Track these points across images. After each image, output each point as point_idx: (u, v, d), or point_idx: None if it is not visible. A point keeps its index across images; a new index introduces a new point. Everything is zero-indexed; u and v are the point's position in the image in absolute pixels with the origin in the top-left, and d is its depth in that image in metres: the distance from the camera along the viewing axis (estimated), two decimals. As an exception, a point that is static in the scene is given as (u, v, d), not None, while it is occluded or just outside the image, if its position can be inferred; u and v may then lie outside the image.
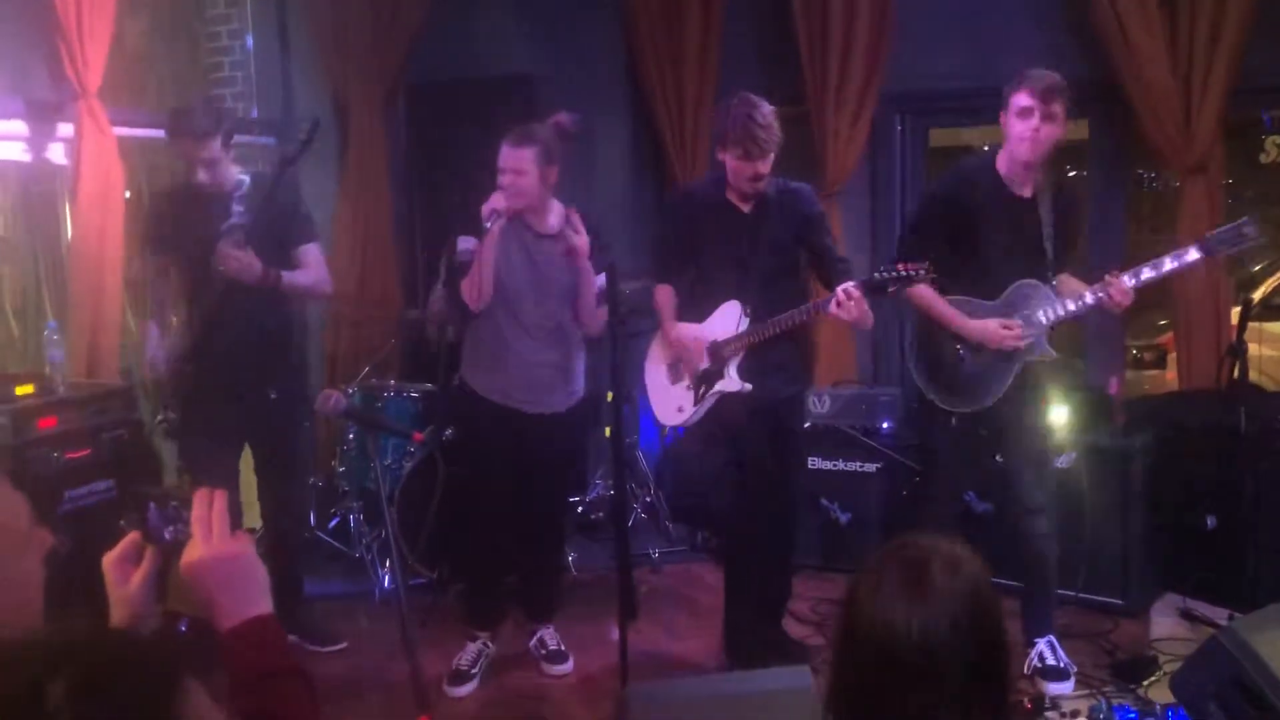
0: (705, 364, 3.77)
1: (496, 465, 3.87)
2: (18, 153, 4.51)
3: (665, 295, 3.89)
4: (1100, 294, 3.48)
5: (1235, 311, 4.78)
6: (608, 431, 4.99)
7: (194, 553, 1.43)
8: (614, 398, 3.58)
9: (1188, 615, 4.13)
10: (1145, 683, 3.61)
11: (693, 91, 5.49)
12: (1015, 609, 3.77)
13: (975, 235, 3.59)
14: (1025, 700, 3.39)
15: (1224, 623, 3.43)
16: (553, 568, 4.26)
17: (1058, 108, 3.47)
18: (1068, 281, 3.63)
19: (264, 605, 1.45)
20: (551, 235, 3.79)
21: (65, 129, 4.45)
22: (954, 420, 3.65)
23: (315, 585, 4.56)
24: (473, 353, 3.90)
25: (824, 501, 4.78)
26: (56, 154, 4.61)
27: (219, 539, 1.45)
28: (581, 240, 3.66)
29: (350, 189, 5.72)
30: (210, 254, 3.75)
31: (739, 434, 3.80)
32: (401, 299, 5.82)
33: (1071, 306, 3.55)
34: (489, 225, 3.60)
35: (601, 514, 5.32)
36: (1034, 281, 3.60)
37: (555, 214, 3.81)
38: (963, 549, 1.43)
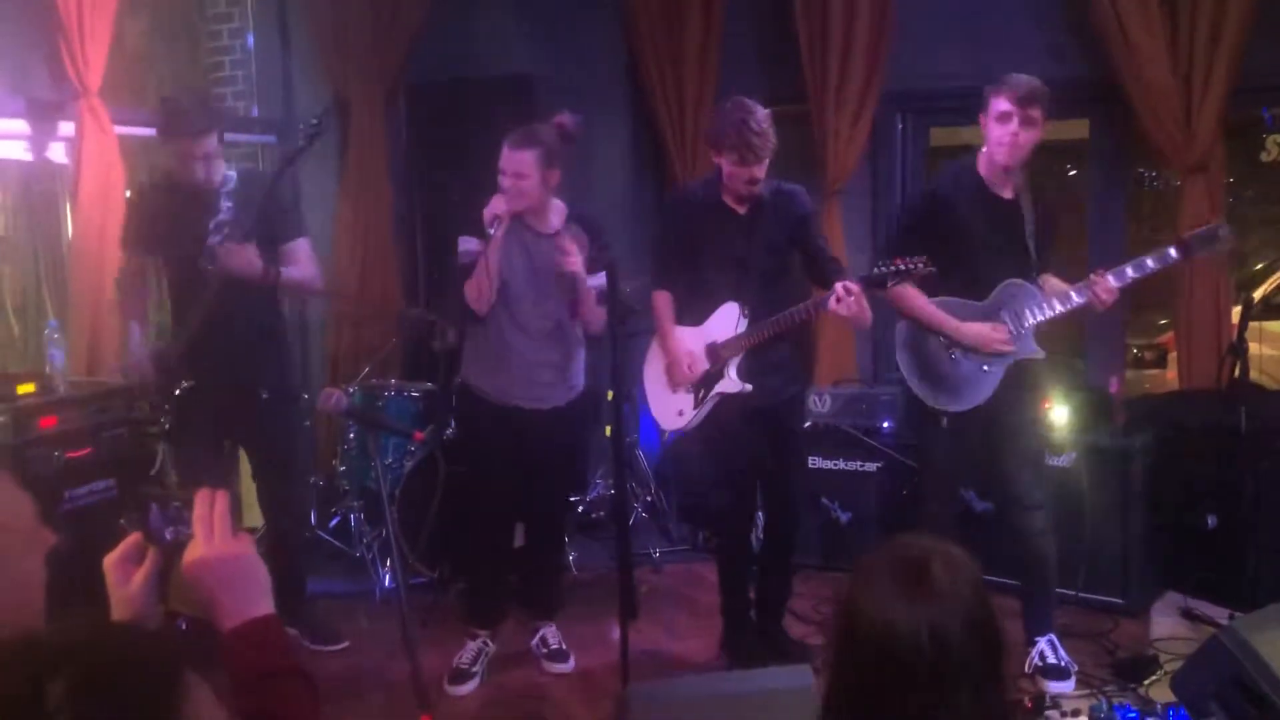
0: (704, 370, 3.78)
1: (497, 464, 3.88)
2: (19, 152, 4.51)
3: (664, 302, 3.89)
4: (1086, 293, 3.51)
5: (1236, 311, 4.79)
6: (608, 431, 4.99)
7: (195, 553, 1.43)
8: (614, 397, 3.58)
9: (1188, 615, 4.13)
10: (1146, 682, 3.61)
11: (693, 91, 5.49)
12: (1015, 608, 3.78)
13: (960, 237, 3.61)
14: (1026, 699, 3.38)
15: (1225, 622, 3.44)
16: (555, 565, 4.26)
17: (1036, 112, 3.51)
18: (1051, 282, 3.67)
19: (265, 605, 1.44)
20: (552, 235, 3.79)
21: (66, 128, 4.45)
22: (946, 420, 3.65)
23: (316, 584, 4.55)
24: (473, 352, 3.90)
25: (824, 501, 4.78)
26: (57, 153, 4.61)
27: (220, 539, 1.45)
28: (571, 261, 3.66)
29: (351, 188, 5.72)
30: (199, 251, 3.70)
31: (739, 434, 3.81)
32: (402, 298, 5.82)
33: (1059, 307, 3.58)
34: (492, 231, 3.60)
35: (602, 513, 5.32)
36: (1020, 281, 3.63)
37: (557, 213, 3.81)
38: (957, 548, 1.43)
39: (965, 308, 3.65)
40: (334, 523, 5.14)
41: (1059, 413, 4.31)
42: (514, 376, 3.80)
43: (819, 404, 4.85)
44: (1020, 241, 3.62)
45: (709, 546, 5.07)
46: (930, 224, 3.64)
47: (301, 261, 3.96)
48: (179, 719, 1.03)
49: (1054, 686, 3.61)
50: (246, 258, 3.69)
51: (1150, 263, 3.50)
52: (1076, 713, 3.09)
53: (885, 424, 4.76)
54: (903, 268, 3.35)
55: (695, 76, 5.50)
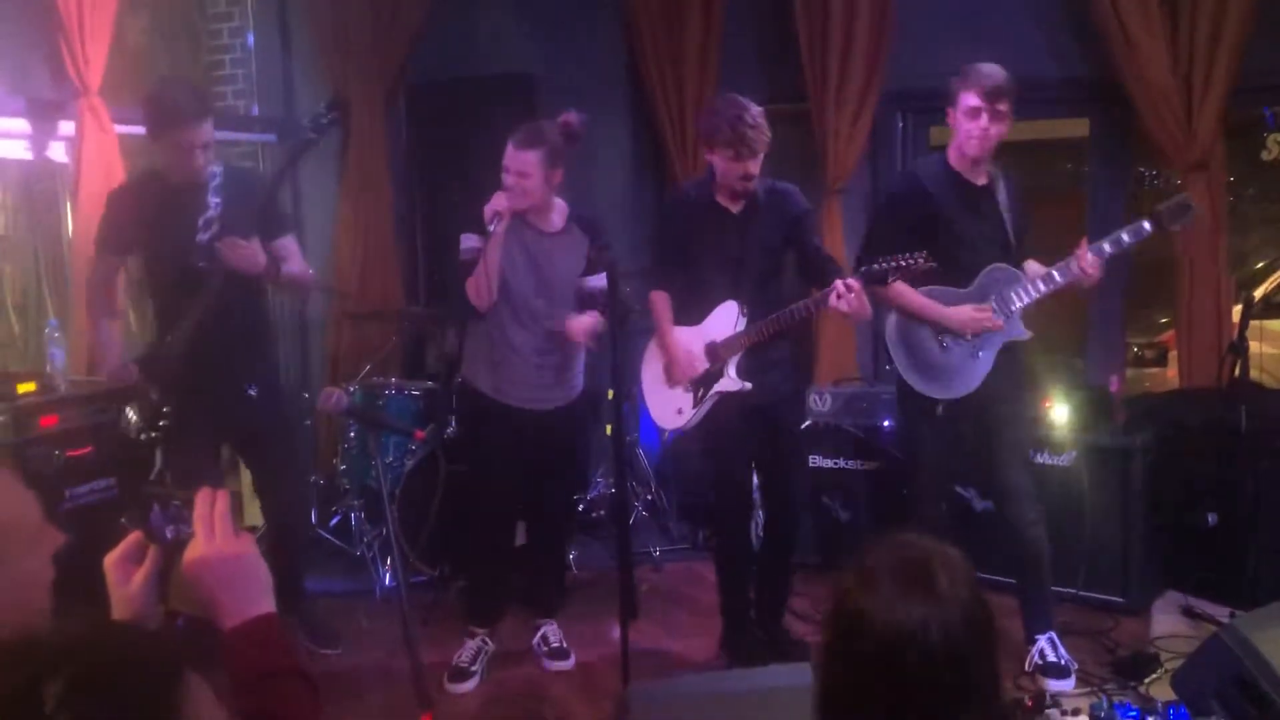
0: (703, 368, 3.79)
1: (498, 463, 3.88)
2: (19, 151, 4.52)
3: (662, 301, 3.90)
4: (1067, 271, 3.55)
5: (1236, 309, 4.79)
6: (608, 430, 4.99)
7: (196, 552, 1.43)
8: (614, 396, 3.58)
9: (1189, 613, 4.13)
10: (1147, 680, 3.61)
11: (693, 91, 5.49)
12: (1014, 607, 3.78)
13: (940, 227, 3.64)
14: (1026, 698, 3.38)
15: (1225, 620, 3.44)
16: (557, 564, 4.26)
17: (1005, 106, 3.55)
18: (1032, 266, 3.71)
19: (266, 604, 1.44)
20: (554, 234, 3.79)
21: (67, 127, 4.45)
22: (940, 409, 3.66)
23: (316, 583, 4.56)
24: (474, 351, 3.91)
25: (825, 499, 4.78)
26: (58, 152, 4.61)
27: (221, 538, 1.45)
28: (579, 326, 3.72)
29: (351, 187, 5.72)
30: (189, 250, 3.61)
31: (738, 433, 3.82)
32: (402, 297, 5.82)
33: (1043, 287, 3.61)
34: (493, 227, 3.60)
35: (602, 512, 5.32)
36: (1003, 265, 3.67)
37: (559, 213, 3.82)
38: (952, 548, 1.42)
39: (951, 296, 3.67)
40: (334, 521, 5.14)
41: (1059, 412, 4.32)
42: (515, 375, 3.81)
43: (819, 403, 4.85)
44: (999, 226, 3.68)
45: (709, 545, 5.07)
46: (910, 217, 3.67)
47: (294, 257, 3.91)
48: (179, 719, 1.03)
49: (1054, 685, 3.62)
50: (252, 254, 3.62)
51: (1126, 237, 3.54)
52: (1077, 711, 3.09)
53: (885, 423, 4.76)
54: (903, 263, 3.36)
55: (695, 76, 5.50)
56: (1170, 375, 6.45)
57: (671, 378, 3.86)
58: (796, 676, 2.29)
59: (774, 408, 3.88)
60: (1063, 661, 3.69)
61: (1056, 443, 4.28)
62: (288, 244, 3.90)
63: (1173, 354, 5.86)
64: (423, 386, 4.95)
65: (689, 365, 3.80)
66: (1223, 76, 4.57)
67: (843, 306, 3.43)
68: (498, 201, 3.63)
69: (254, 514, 4.25)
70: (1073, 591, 4.16)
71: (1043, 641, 3.73)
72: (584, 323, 3.74)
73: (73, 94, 4.33)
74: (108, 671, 1.01)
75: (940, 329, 3.68)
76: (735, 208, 3.77)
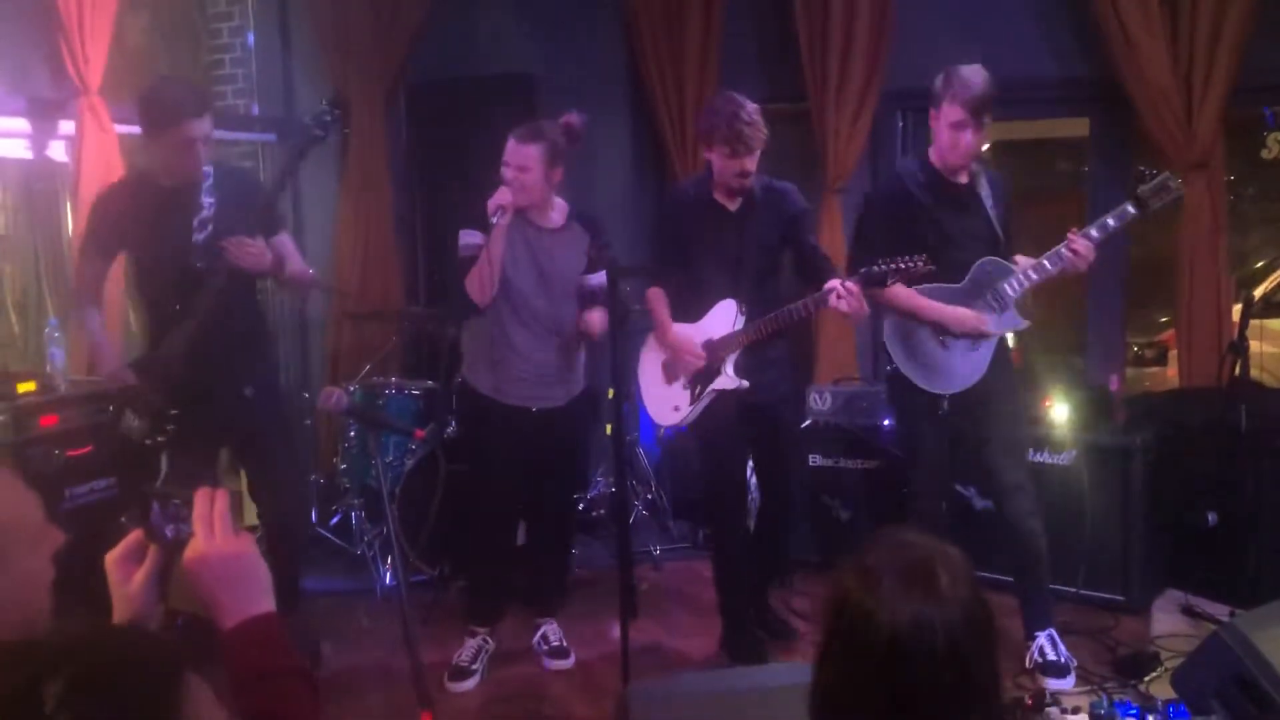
0: (702, 364, 3.80)
1: (498, 462, 3.88)
2: (19, 150, 4.52)
3: (659, 298, 3.91)
4: (1058, 260, 3.58)
5: (1236, 309, 4.78)
6: (608, 429, 4.99)
7: (195, 551, 1.43)
8: (614, 395, 3.59)
9: (1189, 611, 4.14)
10: (1147, 679, 3.61)
11: (693, 91, 5.49)
12: (1014, 606, 3.78)
13: (927, 226, 3.66)
14: (1026, 697, 3.39)
15: (1225, 619, 3.44)
16: (559, 562, 4.26)
17: (988, 116, 3.58)
18: (1021, 259, 3.74)
19: (265, 604, 1.44)
20: (555, 230, 3.79)
21: (67, 126, 4.45)
22: (945, 405, 3.68)
23: (317, 582, 4.57)
24: (474, 350, 3.91)
25: (825, 499, 4.78)
26: (58, 151, 4.61)
27: (221, 537, 1.45)
28: (595, 319, 3.76)
29: (351, 187, 5.72)
30: (185, 251, 3.56)
31: (734, 431, 3.83)
32: (402, 297, 5.82)
33: (1034, 275, 3.64)
34: (495, 220, 3.60)
35: (602, 511, 5.32)
36: (994, 258, 3.70)
37: (559, 211, 3.82)
38: (951, 547, 1.42)
39: (945, 293, 3.69)
40: (335, 521, 5.14)
41: (1059, 411, 4.32)
42: (515, 374, 3.80)
43: (819, 402, 4.85)
44: (986, 222, 3.71)
45: (708, 544, 5.07)
46: (896, 218, 3.70)
47: (293, 254, 3.86)
48: (179, 719, 1.03)
49: (1053, 684, 3.62)
50: (260, 252, 3.57)
51: (1111, 221, 3.57)
52: (1077, 710, 3.09)
53: (885, 422, 4.75)
54: (903, 266, 3.38)
55: (695, 76, 5.50)
56: (1170, 374, 6.45)
57: (677, 369, 3.87)
58: (796, 675, 2.29)
59: (772, 407, 3.90)
60: (1062, 659, 3.69)
61: (1057, 442, 4.28)
62: (285, 241, 3.87)
63: (1173, 353, 5.86)
64: (423, 386, 4.96)
65: (691, 345, 3.80)
66: (1223, 76, 4.57)
67: (843, 307, 3.47)
68: (501, 196, 3.63)
69: (254, 513, 4.24)
70: (1073, 590, 4.16)
71: (1042, 639, 3.73)
72: (599, 316, 3.74)
73: (73, 93, 4.33)
74: (108, 672, 1.01)
75: (939, 328, 3.69)
76: (733, 206, 3.80)
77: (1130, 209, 3.55)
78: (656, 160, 5.77)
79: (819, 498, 4.77)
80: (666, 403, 3.92)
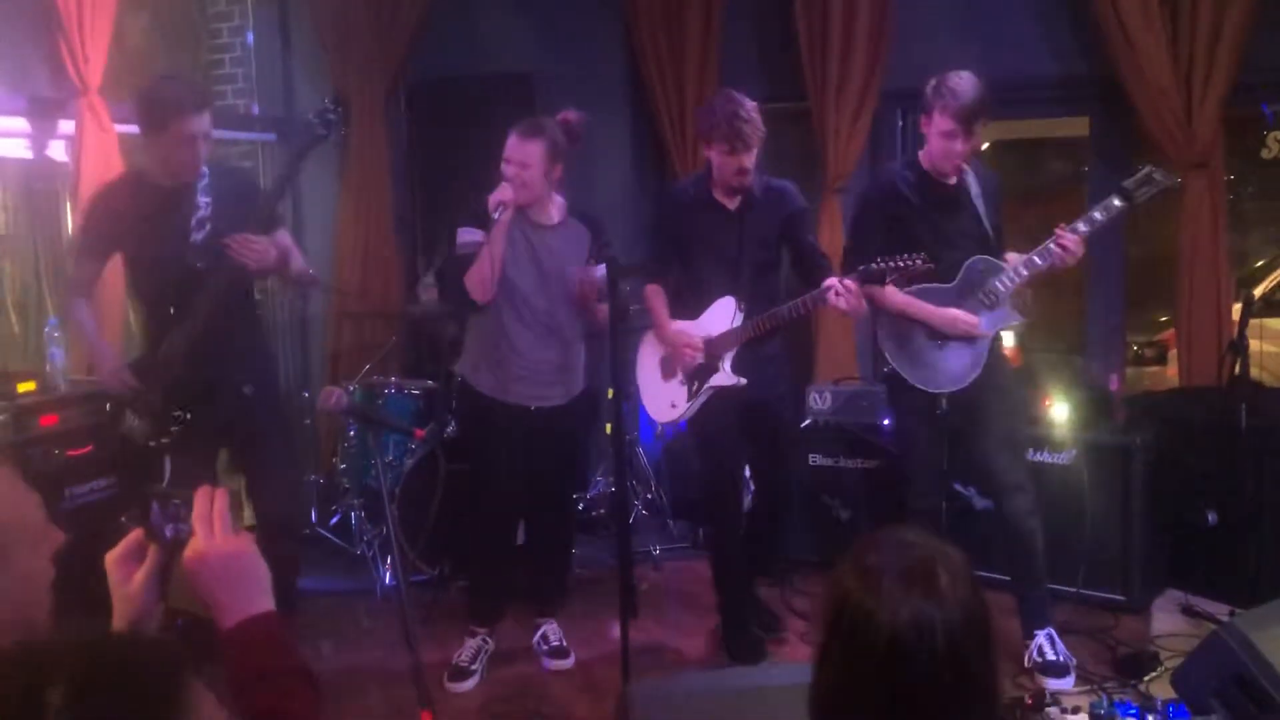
0: (701, 358, 3.80)
1: (498, 462, 3.87)
2: (19, 150, 4.51)
3: (656, 294, 3.92)
4: (1047, 255, 3.59)
5: (1236, 308, 4.78)
6: (608, 428, 4.99)
7: (195, 550, 1.43)
8: (614, 394, 3.59)
9: (1189, 611, 4.14)
10: (1147, 678, 3.61)
11: (693, 91, 5.49)
12: (1012, 605, 3.78)
13: (918, 227, 3.68)
14: (1026, 696, 3.39)
15: (1225, 619, 3.44)
16: (559, 562, 4.26)
17: (979, 124, 3.60)
18: (1011, 255, 3.76)
19: (265, 603, 1.44)
20: (553, 227, 3.80)
21: (66, 126, 4.45)
22: (944, 404, 3.68)
23: (317, 582, 4.57)
24: (473, 349, 3.90)
25: (825, 498, 4.78)
26: (58, 151, 4.61)
27: (221, 536, 1.45)
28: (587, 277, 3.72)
29: (351, 186, 5.72)
30: (184, 251, 3.53)
31: (731, 428, 3.84)
32: (403, 296, 5.82)
33: (1024, 271, 3.65)
34: (497, 216, 3.59)
35: (602, 511, 5.32)
36: (984, 256, 3.72)
37: (557, 208, 3.82)
38: (950, 546, 1.42)
39: (937, 293, 3.71)
40: (334, 520, 5.14)
41: (1059, 410, 4.32)
42: (515, 372, 3.80)
43: (819, 401, 4.85)
44: (975, 221, 3.74)
45: (709, 544, 5.07)
46: (887, 217, 3.72)
47: (293, 251, 3.84)
48: None
49: (1053, 684, 3.62)
50: (265, 249, 3.55)
51: (1098, 215, 3.59)
52: (1077, 709, 3.10)
53: (885, 421, 4.75)
54: (902, 264, 3.39)
55: (695, 76, 5.50)
56: (1170, 374, 6.45)
57: (675, 365, 3.87)
58: (796, 674, 2.29)
59: (770, 404, 3.92)
60: (1061, 659, 3.70)
61: (1057, 441, 4.28)
62: (284, 238, 3.86)
63: (1173, 352, 5.86)
64: (422, 385, 4.96)
65: (690, 339, 3.81)
66: (1223, 75, 4.57)
67: (841, 304, 3.48)
68: (503, 192, 3.62)
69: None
70: (1073, 590, 4.15)
71: (1041, 638, 3.73)
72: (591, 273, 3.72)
73: (72, 93, 4.33)
74: (109, 677, 1.01)
75: (933, 329, 3.71)
76: (732, 204, 3.81)
77: (1116, 202, 3.57)
78: (656, 160, 5.77)
79: (819, 497, 4.77)
80: (664, 399, 3.93)
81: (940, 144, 3.62)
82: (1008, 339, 4.34)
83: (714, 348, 3.81)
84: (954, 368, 3.70)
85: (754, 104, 3.68)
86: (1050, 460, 4.28)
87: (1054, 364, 4.97)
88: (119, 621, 1.46)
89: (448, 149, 5.74)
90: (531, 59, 5.66)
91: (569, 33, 5.70)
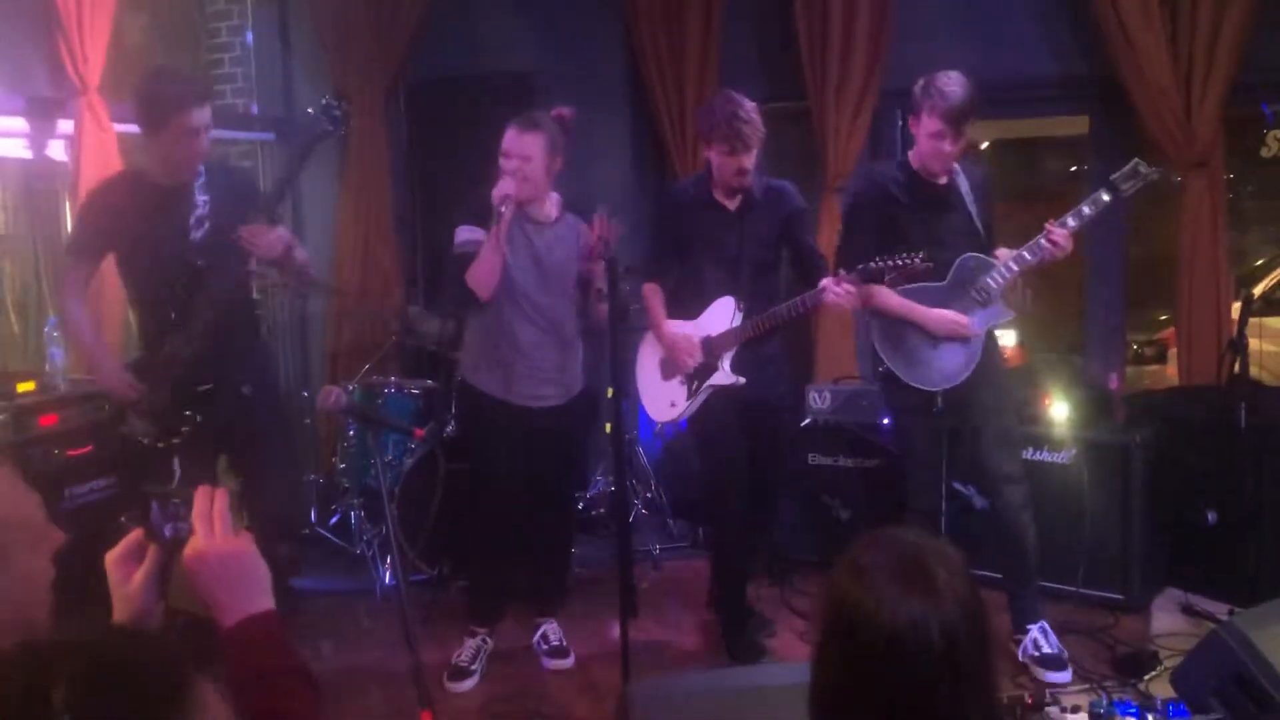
0: (700, 360, 3.81)
1: (498, 462, 3.87)
2: (19, 149, 4.51)
3: (654, 294, 3.93)
4: (1037, 249, 3.61)
5: (1236, 307, 4.79)
6: (608, 428, 4.99)
7: (195, 549, 1.43)
8: (613, 394, 3.59)
9: (1189, 610, 4.14)
10: (1146, 677, 3.61)
11: (693, 91, 5.49)
12: (1003, 602, 3.79)
13: (908, 227, 3.70)
14: (1027, 695, 3.39)
15: (1225, 618, 3.44)
16: (559, 562, 4.26)
17: (967, 126, 3.61)
18: (1002, 251, 3.78)
19: (265, 602, 1.44)
20: (551, 223, 3.79)
21: (66, 125, 4.45)
22: (940, 401, 3.69)
23: (317, 582, 4.57)
24: (473, 348, 3.90)
25: (825, 498, 4.77)
26: (57, 151, 4.61)
27: (220, 536, 1.45)
28: (591, 239, 3.68)
29: (351, 185, 5.72)
30: (184, 249, 3.51)
31: (731, 427, 3.85)
32: (403, 296, 5.82)
33: (1015, 266, 3.67)
34: (503, 209, 3.57)
35: (602, 510, 5.32)
36: (975, 254, 3.73)
37: (554, 204, 3.82)
38: (945, 542, 1.42)
39: (928, 292, 3.71)
40: (334, 520, 5.14)
41: (1059, 409, 4.32)
42: (516, 371, 3.80)
43: (819, 401, 4.85)
44: (966, 219, 3.76)
45: (709, 543, 5.07)
46: (875, 219, 3.73)
47: (295, 243, 3.79)
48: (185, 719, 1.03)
49: (1052, 676, 3.64)
50: (276, 239, 3.54)
51: (1087, 209, 3.61)
52: (1077, 708, 3.09)
53: (885, 421, 4.75)
54: (900, 263, 3.41)
55: (695, 76, 5.50)
56: (1170, 372, 6.45)
57: (673, 364, 3.88)
58: (796, 674, 2.29)
59: (769, 404, 3.93)
60: (1056, 651, 3.71)
61: (1056, 440, 4.28)
62: (285, 231, 3.84)
63: (1172, 351, 5.86)
64: (422, 385, 4.96)
65: (688, 343, 3.82)
66: (1222, 75, 4.57)
67: (841, 302, 3.53)
68: (505, 186, 3.61)
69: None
70: (1073, 589, 4.15)
71: (1035, 631, 3.75)
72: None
73: (72, 92, 4.33)
74: (113, 674, 1.01)
75: (925, 330, 3.72)
76: (732, 204, 3.83)
77: (1104, 196, 3.59)
78: (656, 160, 5.77)
79: (819, 497, 4.76)
80: (663, 399, 3.94)
81: (929, 144, 3.64)
82: (1009, 338, 4.34)
83: (713, 347, 3.82)
84: (948, 365, 3.71)
85: (754, 104, 3.69)
86: (1050, 459, 4.28)
87: (1054, 364, 4.98)
88: (118, 621, 1.46)
89: (448, 149, 5.74)
90: (531, 59, 5.66)
91: (569, 33, 5.69)
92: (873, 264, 3.44)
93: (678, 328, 3.88)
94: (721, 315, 3.81)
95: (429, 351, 5.16)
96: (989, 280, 3.69)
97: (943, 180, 3.75)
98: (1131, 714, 2.96)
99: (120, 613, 1.47)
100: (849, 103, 5.25)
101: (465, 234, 3.71)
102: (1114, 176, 3.63)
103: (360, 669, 3.98)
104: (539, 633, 4.07)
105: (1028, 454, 4.22)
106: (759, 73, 5.52)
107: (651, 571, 4.94)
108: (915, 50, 5.12)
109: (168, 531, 1.48)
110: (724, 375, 3.80)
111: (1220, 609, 3.96)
